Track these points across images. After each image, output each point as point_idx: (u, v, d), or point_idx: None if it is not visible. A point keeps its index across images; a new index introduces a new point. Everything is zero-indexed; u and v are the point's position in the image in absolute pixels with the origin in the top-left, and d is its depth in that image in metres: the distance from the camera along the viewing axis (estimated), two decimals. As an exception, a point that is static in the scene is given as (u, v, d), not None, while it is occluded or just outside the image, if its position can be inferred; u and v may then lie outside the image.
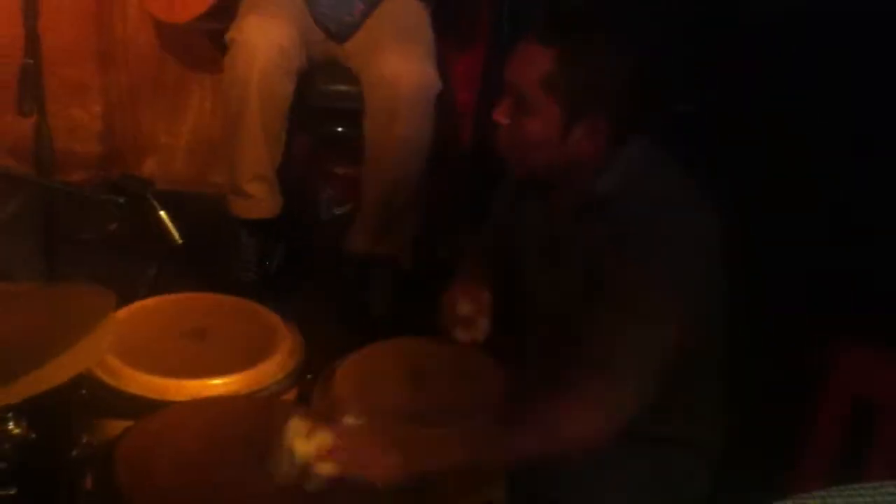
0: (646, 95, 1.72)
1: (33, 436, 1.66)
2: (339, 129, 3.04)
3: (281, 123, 2.77)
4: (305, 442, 1.42)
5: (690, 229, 1.64)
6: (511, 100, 1.68)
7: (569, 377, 1.58)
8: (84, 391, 1.74)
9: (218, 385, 1.77)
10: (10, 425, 1.64)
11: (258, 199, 2.84)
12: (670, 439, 1.75)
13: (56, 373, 1.39)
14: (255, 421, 1.61)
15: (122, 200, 1.88)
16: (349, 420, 1.53)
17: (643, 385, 1.58)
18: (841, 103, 2.16)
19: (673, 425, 1.73)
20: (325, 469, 1.42)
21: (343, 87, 2.88)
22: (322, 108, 2.96)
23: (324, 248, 3.16)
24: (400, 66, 2.66)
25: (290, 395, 1.86)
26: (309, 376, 1.90)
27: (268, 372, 1.83)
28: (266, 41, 2.65)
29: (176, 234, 1.90)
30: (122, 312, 1.89)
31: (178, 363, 1.80)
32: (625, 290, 1.60)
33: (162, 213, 1.90)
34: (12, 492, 1.65)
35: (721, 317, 1.74)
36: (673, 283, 1.60)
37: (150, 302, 2.02)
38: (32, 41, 2.08)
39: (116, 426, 1.67)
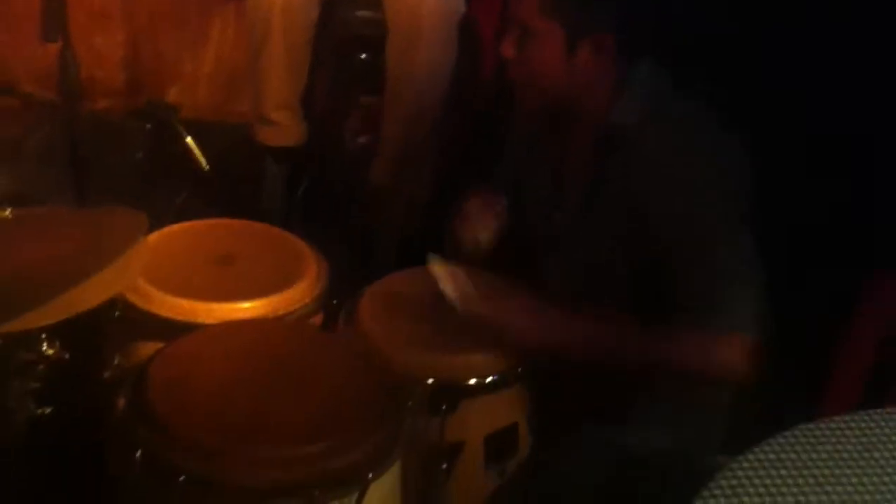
0: (648, 10, 1.70)
1: (66, 357, 1.70)
2: (363, 57, 3.02)
3: (305, 51, 2.76)
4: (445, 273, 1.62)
5: (725, 149, 1.64)
6: (516, 32, 1.67)
7: (692, 319, 1.59)
8: (117, 313, 1.77)
9: (246, 309, 1.79)
10: (44, 346, 1.68)
11: (283, 126, 2.84)
12: None
13: (90, 294, 1.42)
14: (284, 344, 1.63)
15: (148, 126, 1.89)
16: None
17: (758, 305, 1.59)
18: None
19: None
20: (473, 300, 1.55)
21: (367, 14, 2.86)
22: (345, 35, 2.95)
23: (348, 177, 3.16)
24: None
25: (317, 320, 1.89)
26: (334, 301, 1.92)
27: (294, 297, 1.85)
28: None
29: (203, 160, 1.92)
30: (152, 237, 1.91)
31: (208, 287, 1.82)
32: (692, 224, 1.60)
33: (189, 138, 1.91)
34: (48, 411, 1.70)
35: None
36: (729, 203, 1.61)
37: (179, 227, 2.03)
38: (55, -32, 2.07)
39: (147, 348, 1.69)
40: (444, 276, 1.64)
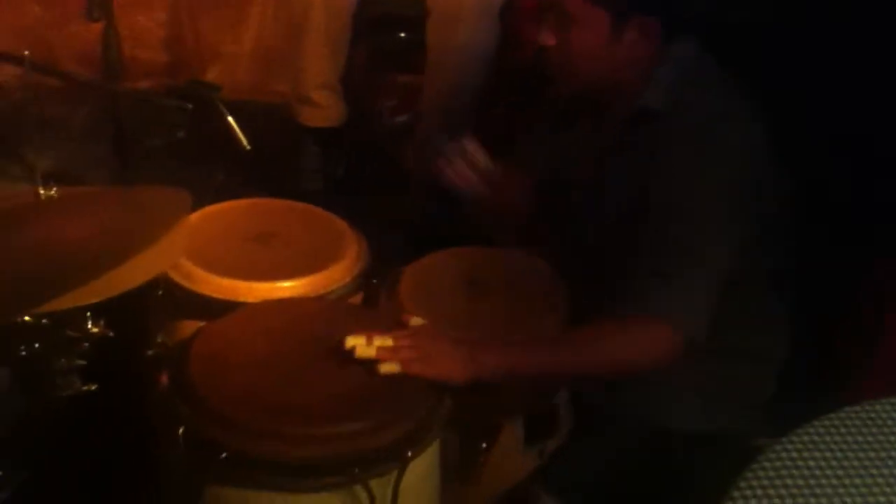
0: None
1: (111, 335, 1.72)
2: (401, 35, 3.02)
3: (345, 31, 2.76)
4: (367, 349, 1.48)
5: (741, 140, 1.62)
6: (553, 19, 1.66)
7: (632, 289, 1.58)
8: (160, 292, 1.79)
9: (287, 288, 1.80)
10: (89, 324, 1.70)
11: (324, 107, 2.85)
12: (736, 350, 1.75)
13: (135, 273, 1.43)
14: (324, 322, 1.64)
15: (190, 106, 1.90)
16: (416, 321, 1.57)
17: (708, 299, 1.57)
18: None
19: (739, 336, 1.73)
20: (389, 368, 1.47)
21: (404, -8, 2.86)
22: (383, 14, 2.95)
23: (384, 157, 3.17)
24: None
25: (356, 299, 1.89)
26: (374, 281, 1.92)
27: (334, 276, 1.85)
28: None
29: (244, 140, 1.92)
30: (194, 216, 1.92)
31: (249, 266, 1.83)
32: (681, 202, 1.59)
33: (230, 118, 1.92)
34: (93, 388, 1.72)
35: (782, 227, 1.71)
36: (729, 194, 1.59)
37: (220, 207, 2.05)
38: (98, -52, 2.09)
39: (189, 326, 1.71)
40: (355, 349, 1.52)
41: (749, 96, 1.66)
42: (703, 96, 1.66)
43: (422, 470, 1.49)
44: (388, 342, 1.50)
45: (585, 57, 1.66)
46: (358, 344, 1.49)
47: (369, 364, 1.48)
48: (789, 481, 1.18)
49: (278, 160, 2.95)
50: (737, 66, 1.69)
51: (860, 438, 1.26)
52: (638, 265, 1.59)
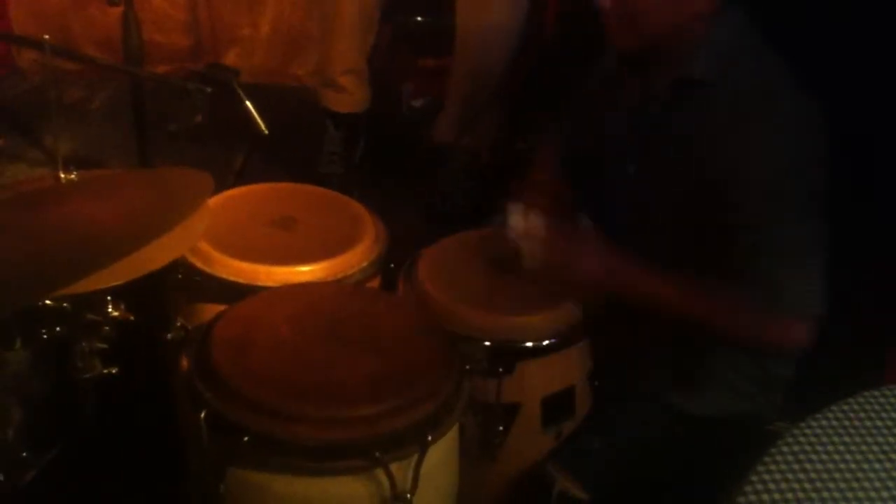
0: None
1: (131, 318, 1.73)
2: (419, 19, 3.01)
3: (375, 16, 2.76)
4: (520, 218, 1.61)
5: (805, 118, 1.59)
6: None
7: (764, 283, 1.58)
8: (179, 276, 1.80)
9: (306, 272, 1.80)
10: (110, 308, 1.71)
11: (350, 92, 2.85)
12: None
13: (157, 255, 1.44)
14: (344, 305, 1.65)
15: (209, 90, 1.90)
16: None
17: (819, 277, 1.58)
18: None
19: None
20: (533, 247, 1.59)
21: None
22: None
23: (404, 140, 3.17)
24: None
25: (375, 283, 1.90)
26: (392, 265, 1.93)
27: (353, 260, 1.86)
28: None
29: (262, 124, 1.93)
30: (213, 201, 1.93)
31: (268, 250, 1.84)
32: (764, 195, 1.57)
33: (248, 102, 1.92)
34: (114, 371, 1.74)
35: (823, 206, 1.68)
36: (802, 177, 1.58)
37: (239, 191, 2.05)
38: (118, -67, 2.09)
39: (209, 310, 1.72)
40: (518, 219, 1.66)
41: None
42: (758, 69, 1.63)
43: (442, 453, 1.50)
44: (540, 222, 1.60)
45: (650, 5, 1.62)
46: (515, 213, 1.59)
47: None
48: (808, 465, 1.18)
49: (297, 144, 2.96)
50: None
51: (879, 423, 1.26)
52: (753, 259, 1.58)
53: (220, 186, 2.05)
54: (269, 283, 1.76)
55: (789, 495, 1.13)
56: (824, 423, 1.25)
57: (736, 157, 1.58)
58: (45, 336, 1.70)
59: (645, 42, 1.65)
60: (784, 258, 1.58)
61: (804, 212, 1.58)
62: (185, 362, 1.55)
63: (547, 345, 1.75)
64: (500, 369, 1.70)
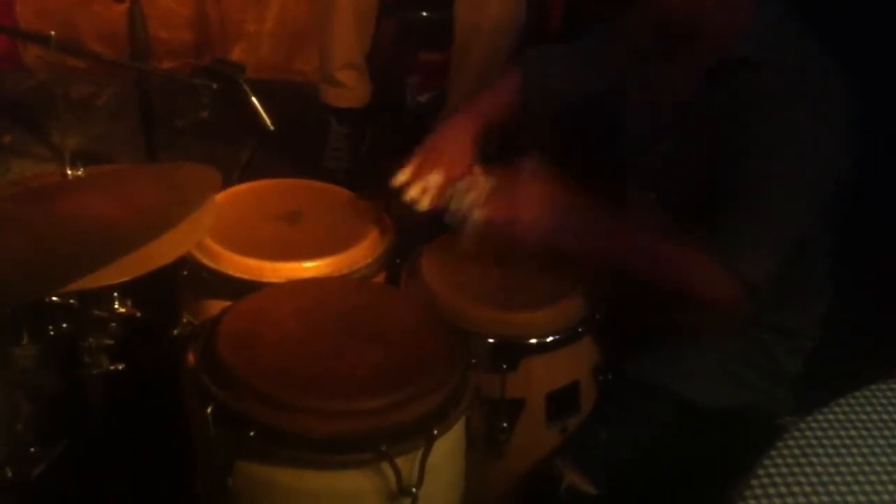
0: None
1: (138, 315, 1.74)
2: (424, 14, 3.00)
3: (372, 10, 2.75)
4: (466, 195, 1.69)
5: (835, 99, 1.58)
6: None
7: (720, 237, 1.57)
8: (185, 272, 1.80)
9: (311, 268, 1.80)
10: (117, 304, 1.72)
11: (349, 87, 2.85)
12: (770, 325, 1.74)
13: (164, 251, 1.44)
14: (350, 300, 1.65)
15: (215, 86, 1.90)
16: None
17: (776, 260, 1.57)
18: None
19: (775, 310, 1.71)
20: (480, 214, 1.62)
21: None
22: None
23: (410, 135, 3.16)
24: None
25: (380, 278, 1.90)
26: (397, 260, 1.93)
27: (358, 256, 1.86)
28: None
29: (268, 120, 1.92)
30: (219, 197, 1.93)
31: (273, 246, 1.84)
32: (771, 157, 1.56)
33: (254, 98, 1.92)
34: (121, 367, 1.74)
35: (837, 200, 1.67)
36: (818, 157, 1.56)
37: (244, 187, 2.06)
38: (123, -71, 2.10)
39: (215, 306, 1.72)
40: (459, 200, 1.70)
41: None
42: (802, 52, 1.61)
43: (448, 447, 1.50)
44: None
45: None
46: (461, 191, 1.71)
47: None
48: (815, 459, 1.18)
49: (303, 140, 2.96)
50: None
51: (885, 416, 1.25)
52: (739, 219, 1.57)
53: (226, 182, 2.04)
54: (275, 279, 1.76)
55: (796, 489, 1.13)
56: (831, 416, 1.25)
57: (768, 136, 1.56)
58: (52, 332, 1.71)
59: (682, 15, 1.63)
60: (762, 226, 1.56)
61: (805, 198, 1.57)
62: (191, 357, 1.55)
63: (551, 341, 1.75)
64: (504, 366, 1.70)
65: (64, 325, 1.71)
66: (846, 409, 1.26)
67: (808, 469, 1.16)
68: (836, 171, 1.59)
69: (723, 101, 1.64)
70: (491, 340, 1.70)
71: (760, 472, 1.16)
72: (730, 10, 1.62)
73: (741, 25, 1.62)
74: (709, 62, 1.65)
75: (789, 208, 1.57)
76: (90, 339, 1.70)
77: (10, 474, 1.76)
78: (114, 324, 1.72)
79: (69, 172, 1.63)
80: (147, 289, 1.64)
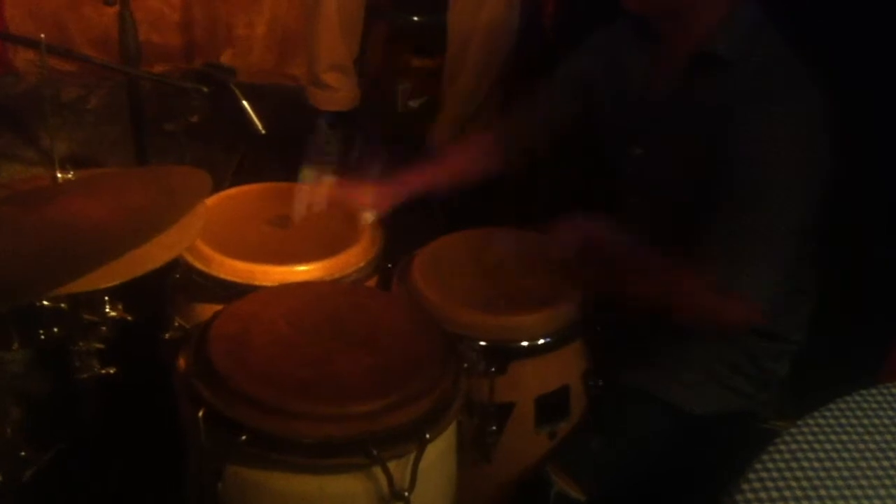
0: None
1: (129, 318, 1.73)
2: (416, 19, 3.00)
3: (358, 13, 2.75)
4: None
5: (811, 101, 1.59)
6: None
7: (726, 262, 1.58)
8: (177, 275, 1.80)
9: (303, 271, 1.80)
10: (107, 308, 1.71)
11: (335, 89, 2.84)
12: (757, 330, 1.75)
13: (154, 255, 1.44)
14: (341, 304, 1.65)
15: (206, 90, 1.90)
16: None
17: (776, 269, 1.58)
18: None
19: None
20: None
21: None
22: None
23: (401, 140, 3.16)
24: None
25: (371, 283, 1.90)
26: (389, 265, 1.93)
27: (350, 260, 1.86)
28: None
29: (259, 124, 1.92)
30: (210, 200, 1.93)
31: (265, 250, 1.84)
32: (751, 165, 1.57)
33: (244, 102, 1.92)
34: (112, 371, 1.74)
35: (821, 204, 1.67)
36: (807, 164, 1.57)
37: (236, 190, 2.06)
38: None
39: (206, 310, 1.72)
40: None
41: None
42: (776, 54, 1.63)
43: (440, 451, 1.50)
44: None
45: None
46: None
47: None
48: (805, 464, 1.18)
49: (294, 143, 2.95)
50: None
51: (876, 421, 1.26)
52: (735, 237, 1.58)
53: (218, 186, 2.04)
54: (267, 283, 1.76)
55: (787, 493, 1.14)
56: (821, 421, 1.25)
57: (746, 137, 1.57)
58: (42, 336, 1.70)
59: (659, 6, 1.64)
60: (756, 240, 1.57)
61: (794, 204, 1.58)
62: (182, 361, 1.55)
63: (541, 344, 1.75)
64: (493, 368, 1.70)
65: (55, 330, 1.70)
66: (836, 413, 1.27)
67: (798, 474, 1.17)
68: (817, 173, 1.60)
69: (698, 100, 1.65)
70: (482, 343, 1.71)
71: (751, 476, 1.16)
72: (707, 8, 1.63)
73: (718, 24, 1.63)
74: (685, 61, 1.67)
75: (777, 215, 1.58)
76: (81, 344, 1.70)
77: (0, 478, 1.75)
78: (104, 328, 1.72)
79: (59, 176, 1.63)
80: (138, 292, 1.63)
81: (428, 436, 1.41)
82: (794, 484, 1.15)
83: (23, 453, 1.80)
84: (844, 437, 1.23)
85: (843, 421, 1.26)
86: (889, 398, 1.30)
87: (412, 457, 1.41)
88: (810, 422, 1.25)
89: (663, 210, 1.76)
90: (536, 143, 2.00)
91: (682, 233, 1.65)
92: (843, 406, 1.28)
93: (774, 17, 1.66)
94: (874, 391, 1.31)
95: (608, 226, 1.69)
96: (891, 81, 1.96)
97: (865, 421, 1.26)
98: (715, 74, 1.63)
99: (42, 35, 1.67)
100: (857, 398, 1.30)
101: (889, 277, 1.97)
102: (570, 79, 1.93)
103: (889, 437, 1.23)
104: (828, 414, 1.26)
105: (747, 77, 1.60)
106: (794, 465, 1.18)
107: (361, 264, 1.87)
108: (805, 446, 1.21)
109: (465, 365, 1.56)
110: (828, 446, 1.21)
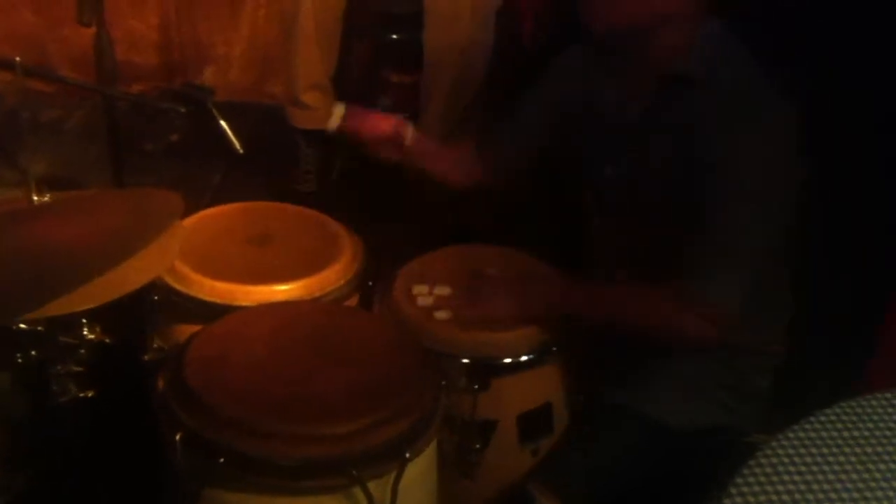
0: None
1: (107, 341, 1.72)
2: (395, 37, 3.00)
3: (335, 30, 2.75)
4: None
5: (784, 120, 1.61)
6: None
7: (694, 274, 1.61)
8: (155, 297, 1.79)
9: (283, 291, 1.80)
10: (85, 331, 1.70)
11: (315, 108, 2.84)
12: (736, 344, 1.75)
13: (131, 277, 1.43)
14: (321, 324, 1.64)
15: (183, 110, 1.89)
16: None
17: (744, 279, 1.60)
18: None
19: (743, 332, 1.70)
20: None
21: (397, -9, 2.85)
22: (379, 12, 2.93)
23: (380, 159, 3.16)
24: None
25: (353, 301, 1.89)
26: (370, 283, 1.92)
27: (330, 278, 1.85)
28: None
29: (237, 144, 1.91)
30: (189, 220, 1.92)
31: (244, 270, 1.83)
32: (740, 186, 1.59)
33: (222, 122, 1.91)
34: (90, 394, 1.72)
35: (793, 217, 1.69)
36: (775, 178, 1.59)
37: (215, 210, 2.05)
38: (90, -48, 2.08)
39: (186, 330, 1.70)
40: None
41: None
42: (743, 72, 1.64)
43: (420, 470, 1.49)
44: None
45: None
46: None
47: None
48: (786, 477, 1.18)
49: (274, 162, 2.95)
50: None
51: (856, 433, 1.26)
52: (700, 250, 1.61)
53: (197, 205, 2.04)
54: (247, 303, 1.75)
55: (768, 507, 1.14)
56: (802, 434, 1.25)
57: (718, 155, 1.59)
58: (19, 360, 1.68)
59: (623, 28, 1.62)
60: (726, 253, 1.60)
61: (761, 219, 1.59)
62: (161, 383, 1.53)
63: (523, 361, 1.75)
64: (476, 386, 1.70)
65: (32, 353, 1.68)
66: (817, 426, 1.27)
67: (780, 487, 1.17)
68: (786, 188, 1.61)
69: (667, 121, 1.67)
70: (465, 361, 1.70)
71: (733, 490, 1.16)
72: (674, 29, 1.63)
73: (684, 46, 1.64)
74: (655, 82, 1.68)
75: (745, 230, 1.59)
76: (59, 366, 1.68)
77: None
78: (83, 350, 1.70)
79: (35, 198, 1.62)
80: (117, 314, 1.62)
81: (408, 455, 1.40)
82: (774, 497, 1.15)
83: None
84: (825, 450, 1.23)
85: (824, 434, 1.26)
86: (868, 410, 1.30)
87: (392, 476, 1.40)
88: (791, 435, 1.25)
89: (633, 228, 1.77)
90: (513, 162, 2.00)
91: (651, 251, 1.67)
92: (822, 419, 1.28)
93: (755, 29, 1.67)
94: (853, 403, 1.31)
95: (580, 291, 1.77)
96: (890, 81, 1.98)
97: (846, 433, 1.26)
98: (683, 94, 1.64)
99: (17, 57, 1.66)
100: (837, 411, 1.30)
101: (868, 291, 1.98)
102: (544, 100, 1.94)
103: (869, 450, 1.23)
104: (808, 427, 1.26)
105: (714, 95, 1.61)
106: (774, 478, 1.18)
107: (342, 282, 1.87)
108: (786, 459, 1.21)
109: (444, 382, 1.55)
110: (808, 459, 1.21)
